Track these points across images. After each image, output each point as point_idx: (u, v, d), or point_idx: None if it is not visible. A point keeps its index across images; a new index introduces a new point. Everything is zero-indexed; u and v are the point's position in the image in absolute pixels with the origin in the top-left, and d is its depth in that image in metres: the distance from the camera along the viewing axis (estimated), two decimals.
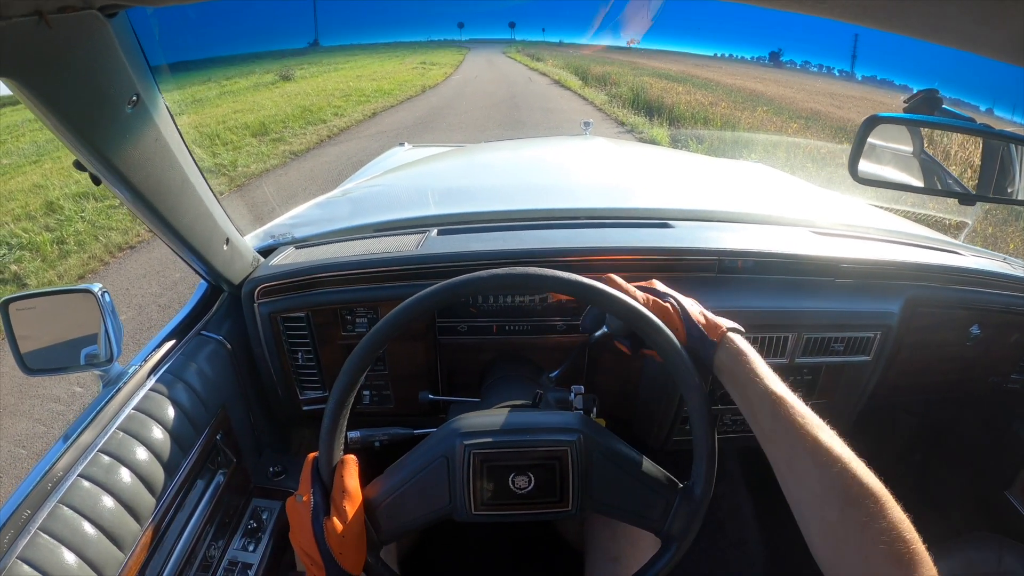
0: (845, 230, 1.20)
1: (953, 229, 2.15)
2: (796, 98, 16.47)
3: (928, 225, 1.57)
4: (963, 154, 5.57)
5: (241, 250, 0.97)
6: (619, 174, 1.75)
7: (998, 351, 1.14)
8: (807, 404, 0.57)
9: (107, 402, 0.76)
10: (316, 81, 17.64)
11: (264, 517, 0.96)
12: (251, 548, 0.91)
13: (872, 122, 0.79)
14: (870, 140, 0.81)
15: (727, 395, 0.63)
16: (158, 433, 0.77)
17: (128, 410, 0.76)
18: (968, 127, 0.75)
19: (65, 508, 0.63)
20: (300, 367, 1.01)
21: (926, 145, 0.96)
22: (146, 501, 0.72)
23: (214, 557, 0.87)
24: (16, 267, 3.97)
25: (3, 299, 0.78)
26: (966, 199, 0.88)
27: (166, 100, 0.67)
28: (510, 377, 0.95)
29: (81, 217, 4.87)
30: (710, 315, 0.66)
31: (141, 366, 0.83)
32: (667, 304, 0.66)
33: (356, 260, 0.97)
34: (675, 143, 7.99)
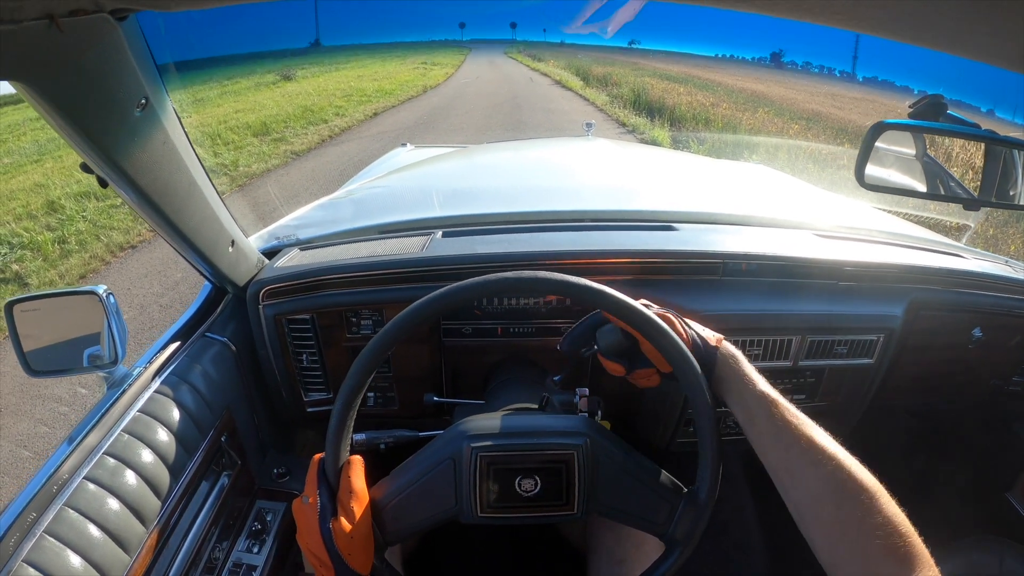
0: (848, 233, 1.20)
1: (955, 231, 2.14)
2: (797, 99, 16.47)
3: (930, 227, 1.57)
4: (964, 156, 5.58)
5: (246, 252, 0.97)
6: (622, 176, 1.76)
7: (1000, 354, 1.14)
8: (810, 406, 0.58)
9: (112, 404, 0.76)
10: (317, 81, 17.63)
11: (268, 519, 0.96)
12: (256, 550, 0.91)
13: (879, 129, 0.79)
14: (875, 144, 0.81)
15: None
16: (163, 435, 0.77)
17: (133, 412, 0.76)
18: (973, 133, 0.76)
19: (70, 511, 0.63)
20: (305, 369, 1.01)
21: (928, 147, 0.96)
22: (151, 504, 0.72)
23: (219, 559, 0.87)
24: (17, 266, 3.97)
25: (8, 300, 0.78)
26: (970, 204, 0.88)
27: (174, 102, 0.67)
28: (515, 380, 0.95)
29: (82, 216, 4.87)
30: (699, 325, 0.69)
31: (146, 368, 0.83)
32: (669, 314, 0.67)
33: (361, 262, 0.97)
34: (676, 144, 7.98)
